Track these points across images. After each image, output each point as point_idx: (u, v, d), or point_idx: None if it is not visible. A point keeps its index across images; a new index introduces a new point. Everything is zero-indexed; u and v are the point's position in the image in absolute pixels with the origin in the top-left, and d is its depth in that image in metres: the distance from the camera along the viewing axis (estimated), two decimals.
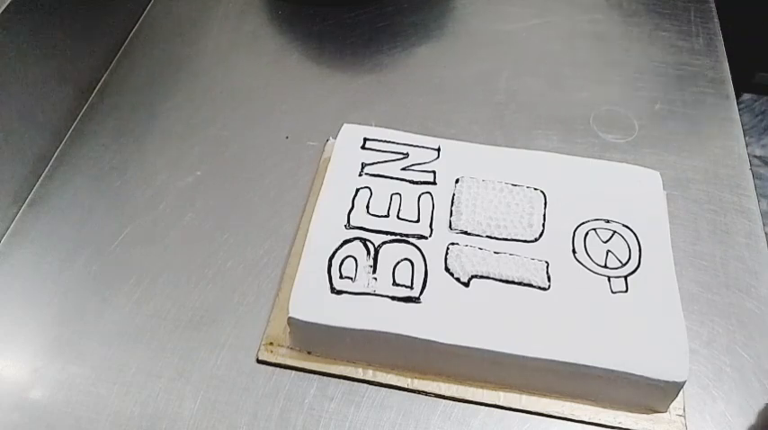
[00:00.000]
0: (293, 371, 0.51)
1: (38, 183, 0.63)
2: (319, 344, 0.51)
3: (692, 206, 0.61)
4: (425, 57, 0.76)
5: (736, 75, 0.73)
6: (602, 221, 0.54)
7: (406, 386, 0.50)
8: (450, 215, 0.54)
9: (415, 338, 0.48)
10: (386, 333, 0.48)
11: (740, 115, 0.68)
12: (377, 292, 0.50)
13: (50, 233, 0.60)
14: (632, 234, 0.53)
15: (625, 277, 0.51)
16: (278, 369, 0.51)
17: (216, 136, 0.67)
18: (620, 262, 0.52)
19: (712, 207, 0.60)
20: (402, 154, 0.58)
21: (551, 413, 0.49)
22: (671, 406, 0.48)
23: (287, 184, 0.62)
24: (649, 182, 0.56)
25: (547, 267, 0.51)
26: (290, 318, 0.49)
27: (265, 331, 0.52)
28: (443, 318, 0.48)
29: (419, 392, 0.50)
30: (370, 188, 0.56)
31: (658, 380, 0.46)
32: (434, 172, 0.57)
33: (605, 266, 0.51)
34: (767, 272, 0.56)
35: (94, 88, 0.71)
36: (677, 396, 0.48)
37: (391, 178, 0.57)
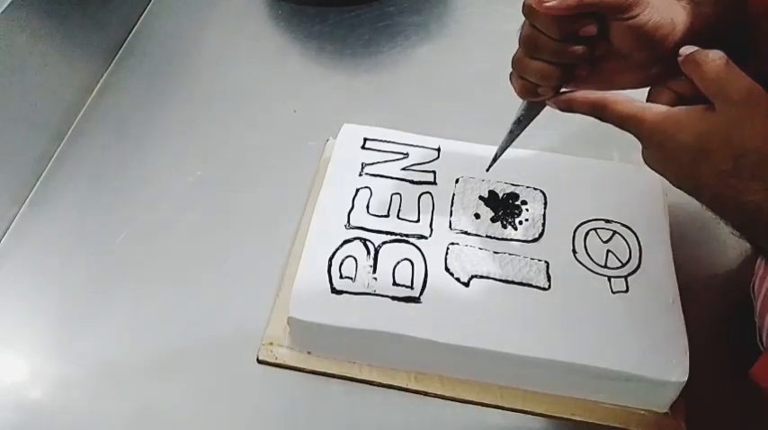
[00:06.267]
0: (293, 371, 0.51)
1: (38, 183, 0.63)
2: (319, 345, 0.51)
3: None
4: (425, 57, 0.76)
5: None
6: (603, 221, 0.54)
7: (406, 386, 0.50)
8: (450, 215, 0.54)
9: (415, 338, 0.48)
10: (386, 333, 0.48)
11: None
12: (377, 292, 0.49)
13: (50, 233, 0.60)
14: (632, 234, 0.53)
15: (625, 277, 0.51)
16: (278, 369, 0.51)
17: (216, 136, 0.67)
18: (621, 262, 0.52)
19: None
20: (402, 154, 0.58)
21: (552, 413, 0.49)
22: (671, 406, 0.48)
23: (287, 184, 0.62)
24: (649, 182, 0.56)
25: (547, 267, 0.51)
26: (290, 318, 0.49)
27: (265, 331, 0.52)
28: (443, 318, 0.48)
29: (419, 392, 0.50)
30: (370, 188, 0.56)
31: (658, 381, 0.46)
32: (434, 172, 0.57)
33: (605, 266, 0.51)
34: None
35: (94, 88, 0.71)
36: (677, 396, 0.47)
37: (391, 178, 0.57)
